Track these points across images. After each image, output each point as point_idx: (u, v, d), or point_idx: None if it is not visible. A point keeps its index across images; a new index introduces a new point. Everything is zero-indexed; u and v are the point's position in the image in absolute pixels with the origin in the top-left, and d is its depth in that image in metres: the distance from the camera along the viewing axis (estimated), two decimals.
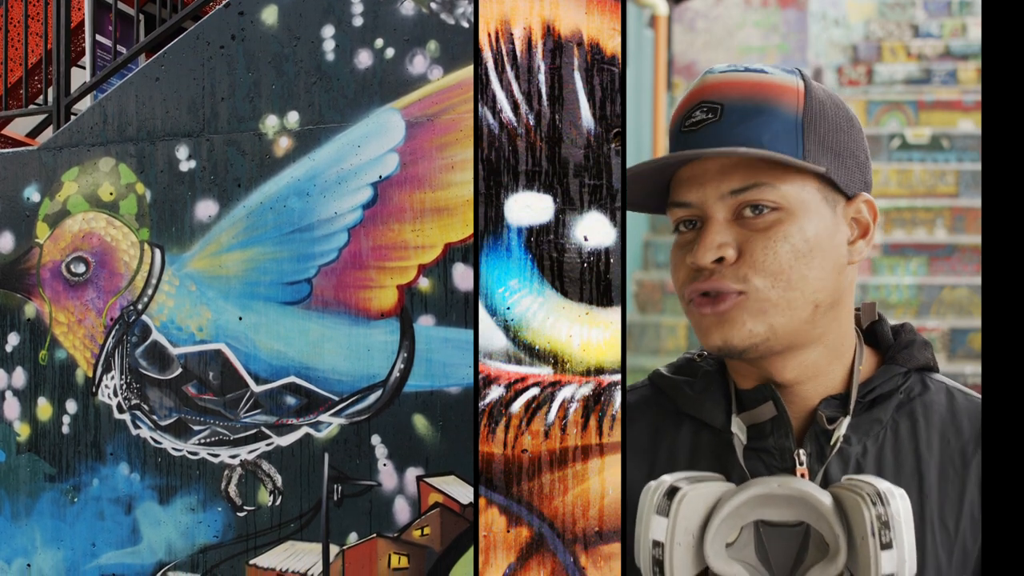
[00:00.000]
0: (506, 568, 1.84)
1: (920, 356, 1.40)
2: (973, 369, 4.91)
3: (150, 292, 3.25)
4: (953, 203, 5.83)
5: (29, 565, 3.49)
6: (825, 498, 1.23)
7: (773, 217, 1.26)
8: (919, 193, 5.95)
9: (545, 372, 1.84)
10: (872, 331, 1.44)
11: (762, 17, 7.37)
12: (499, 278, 1.81)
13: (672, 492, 1.27)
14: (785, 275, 1.25)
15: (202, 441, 3.16)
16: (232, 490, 3.11)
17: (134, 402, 3.27)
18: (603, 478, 1.84)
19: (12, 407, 3.51)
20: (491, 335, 1.82)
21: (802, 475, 1.31)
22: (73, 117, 3.60)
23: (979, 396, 1.39)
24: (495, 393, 1.83)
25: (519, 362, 1.83)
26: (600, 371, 1.84)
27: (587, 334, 1.84)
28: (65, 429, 3.41)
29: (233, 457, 3.11)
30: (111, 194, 3.30)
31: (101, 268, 3.34)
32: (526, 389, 1.83)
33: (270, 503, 3.05)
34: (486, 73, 1.82)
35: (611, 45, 1.83)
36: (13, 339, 3.50)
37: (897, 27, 7.49)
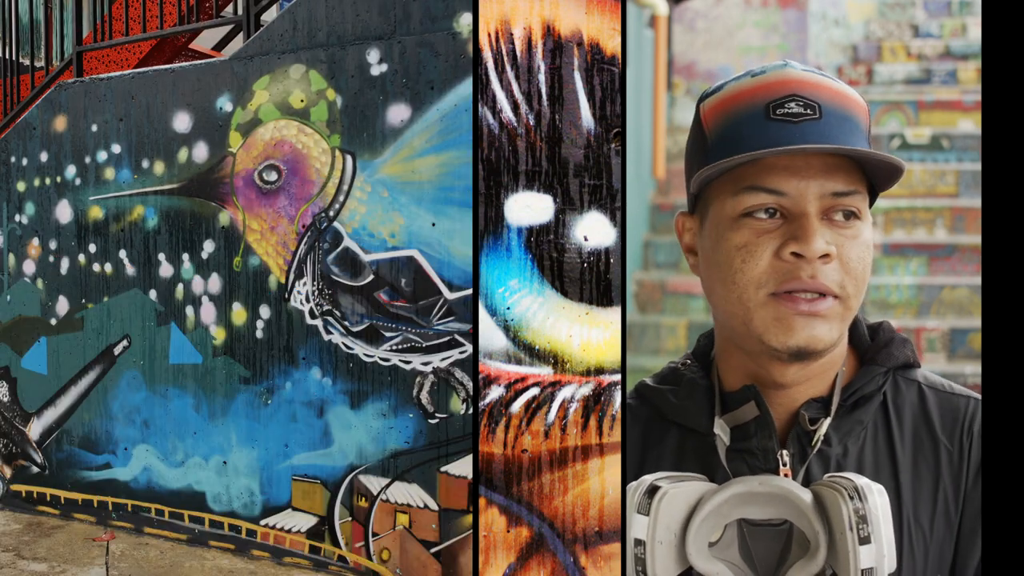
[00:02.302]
0: (506, 568, 1.84)
1: (899, 354, 1.41)
2: (973, 369, 4.91)
3: (341, 199, 3.25)
4: (953, 203, 5.83)
5: (225, 462, 3.53)
6: (805, 495, 1.24)
7: (859, 226, 1.30)
8: (919, 193, 5.94)
9: (545, 372, 1.83)
10: (849, 331, 1.45)
11: (762, 17, 7.36)
12: (499, 278, 1.81)
13: (653, 491, 1.27)
14: (862, 284, 1.30)
15: (394, 348, 3.15)
16: (424, 397, 3.09)
17: (326, 308, 3.28)
18: (603, 478, 1.84)
19: (208, 312, 3.57)
20: (491, 335, 1.82)
21: (785, 475, 1.32)
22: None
23: (952, 389, 1.41)
24: (495, 393, 1.83)
25: (519, 362, 1.83)
26: (600, 371, 1.84)
27: (587, 334, 1.84)
28: (259, 334, 3.45)
29: (425, 364, 3.09)
30: (302, 101, 3.31)
31: (293, 176, 3.36)
32: (526, 389, 1.83)
33: (463, 411, 3.04)
34: (486, 73, 1.82)
35: (611, 45, 1.83)
36: (208, 246, 3.56)
37: (897, 27, 7.48)
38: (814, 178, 1.28)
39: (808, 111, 1.29)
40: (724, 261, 1.33)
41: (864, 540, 1.18)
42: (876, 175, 1.31)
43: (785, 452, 1.34)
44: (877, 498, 1.20)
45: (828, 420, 1.34)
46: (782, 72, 1.34)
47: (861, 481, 1.22)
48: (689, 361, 1.49)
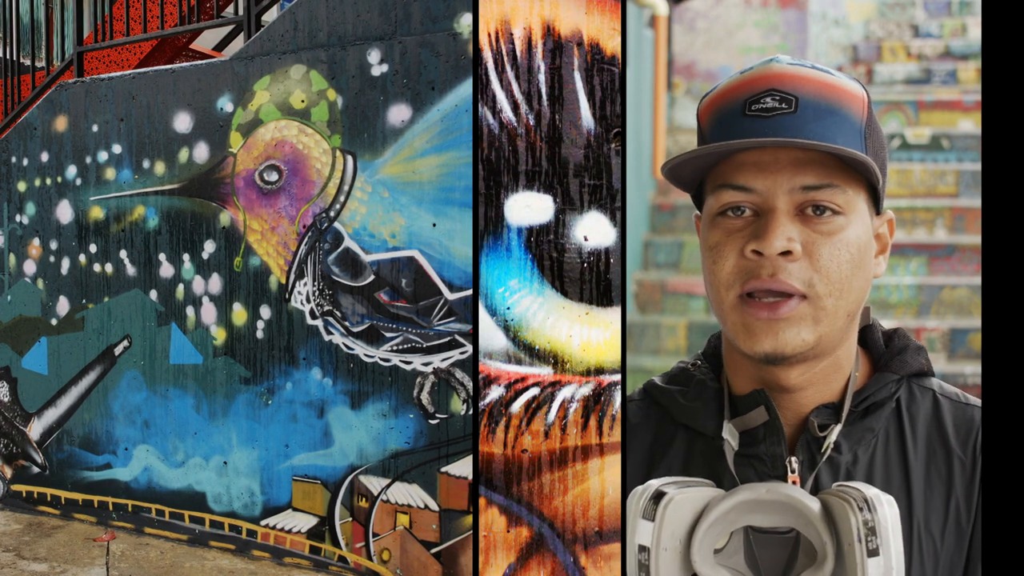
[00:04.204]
0: (506, 568, 1.84)
1: (913, 362, 1.39)
2: (973, 369, 4.91)
3: (342, 199, 3.25)
4: (953, 203, 5.83)
5: (226, 463, 3.53)
6: (813, 504, 1.22)
7: (837, 222, 1.26)
8: (919, 193, 5.94)
9: (545, 372, 1.83)
10: (863, 336, 1.43)
11: (762, 17, 7.36)
12: (499, 278, 1.81)
13: (658, 496, 1.26)
14: (841, 284, 1.25)
15: (394, 348, 3.15)
16: (424, 397, 3.09)
17: (327, 308, 3.28)
18: (603, 478, 1.84)
19: (209, 312, 3.58)
20: (491, 335, 1.82)
21: (794, 483, 1.30)
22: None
23: (967, 400, 1.39)
24: (495, 393, 1.83)
25: (519, 362, 1.83)
26: (600, 371, 1.84)
27: (587, 334, 1.84)
28: (259, 334, 3.46)
29: (426, 365, 3.09)
30: (303, 102, 3.31)
31: (293, 176, 3.36)
32: (526, 389, 1.83)
33: (463, 411, 3.04)
34: (486, 73, 1.82)
35: (611, 45, 1.83)
36: (209, 247, 3.57)
37: (897, 27, 7.48)
38: (782, 173, 1.25)
39: (783, 105, 1.26)
40: (703, 262, 1.34)
41: (872, 552, 1.16)
42: (858, 168, 1.27)
43: (794, 459, 1.31)
44: (887, 509, 1.18)
45: (838, 427, 1.32)
46: (765, 68, 1.32)
47: (871, 492, 1.20)
48: (699, 362, 1.47)
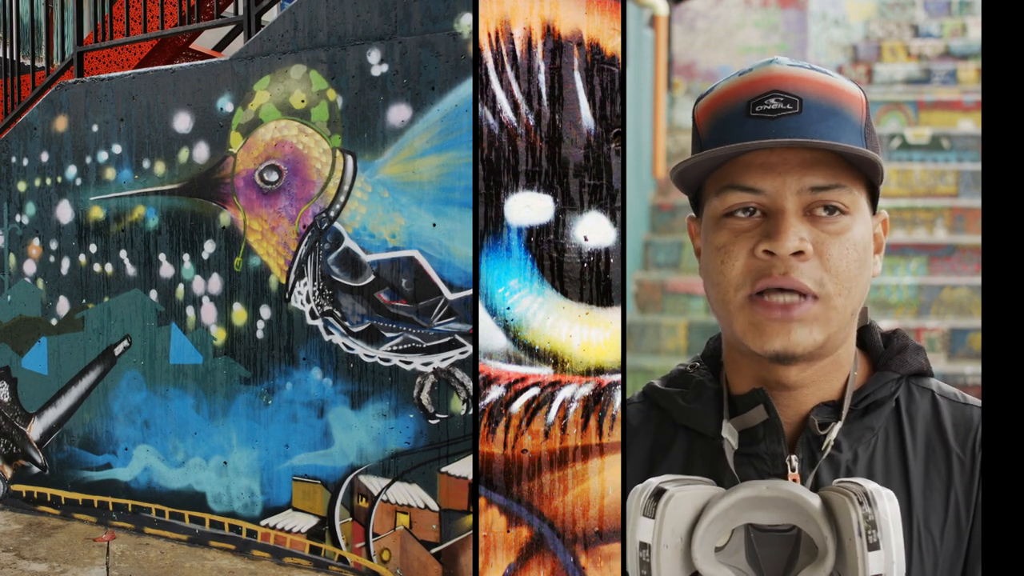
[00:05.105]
0: (506, 568, 1.84)
1: (913, 362, 1.40)
2: (973, 369, 4.90)
3: (342, 199, 3.26)
4: (953, 203, 5.83)
5: (226, 463, 3.54)
6: (814, 500, 1.23)
7: (844, 221, 1.27)
8: (919, 193, 5.94)
9: (545, 372, 1.83)
10: (861, 336, 1.44)
11: (762, 17, 7.36)
12: (499, 278, 1.81)
13: (659, 494, 1.26)
14: (849, 283, 1.27)
15: (394, 348, 3.16)
16: (424, 397, 3.09)
17: (327, 308, 3.29)
18: (603, 478, 1.84)
19: (209, 312, 3.59)
20: (491, 335, 1.82)
21: (793, 480, 1.30)
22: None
23: (965, 399, 1.40)
24: (495, 393, 1.83)
25: (519, 362, 1.83)
26: (600, 371, 1.84)
27: (587, 334, 1.84)
28: (259, 334, 3.47)
29: (426, 365, 3.10)
30: (303, 102, 3.31)
31: (293, 176, 3.36)
32: (526, 389, 1.83)
33: (463, 411, 3.04)
34: (486, 73, 1.82)
35: (611, 45, 1.83)
36: (209, 247, 3.58)
37: (897, 27, 7.48)
38: (791, 174, 1.26)
39: (787, 106, 1.27)
40: (709, 263, 1.34)
41: (873, 546, 1.17)
42: (862, 167, 1.28)
43: (794, 457, 1.32)
44: (887, 504, 1.19)
45: (838, 425, 1.32)
46: (766, 69, 1.32)
47: (871, 486, 1.20)
48: (698, 364, 1.48)
